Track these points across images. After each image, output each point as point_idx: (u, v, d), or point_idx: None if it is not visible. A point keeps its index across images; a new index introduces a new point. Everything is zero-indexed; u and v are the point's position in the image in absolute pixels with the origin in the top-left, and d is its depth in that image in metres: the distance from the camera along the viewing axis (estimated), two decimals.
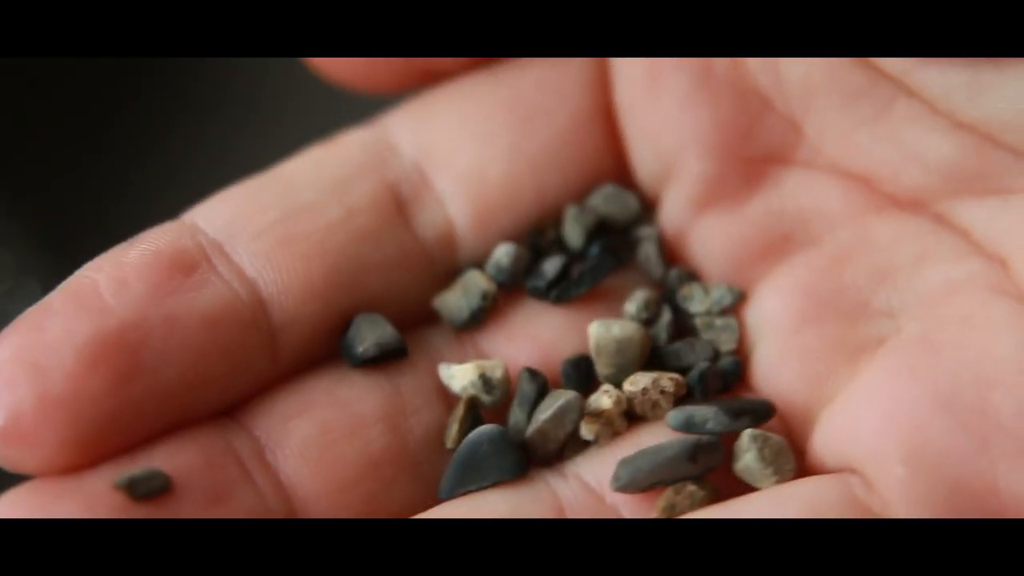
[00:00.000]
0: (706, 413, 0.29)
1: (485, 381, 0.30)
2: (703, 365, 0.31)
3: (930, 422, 0.27)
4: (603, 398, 0.30)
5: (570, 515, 0.29)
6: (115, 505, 0.27)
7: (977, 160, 0.30)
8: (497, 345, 0.31)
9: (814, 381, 0.30)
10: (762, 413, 0.30)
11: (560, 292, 0.32)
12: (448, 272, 0.32)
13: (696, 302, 0.32)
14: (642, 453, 0.29)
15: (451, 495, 0.30)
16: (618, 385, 0.31)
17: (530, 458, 0.30)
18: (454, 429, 0.30)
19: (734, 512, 0.28)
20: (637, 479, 0.29)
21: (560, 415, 0.30)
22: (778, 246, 0.32)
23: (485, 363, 0.30)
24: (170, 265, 0.29)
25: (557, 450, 0.30)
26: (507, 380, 0.30)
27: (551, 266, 0.32)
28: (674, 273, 0.32)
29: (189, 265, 0.29)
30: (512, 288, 0.32)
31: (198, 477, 0.28)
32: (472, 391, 0.30)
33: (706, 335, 0.32)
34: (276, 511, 0.28)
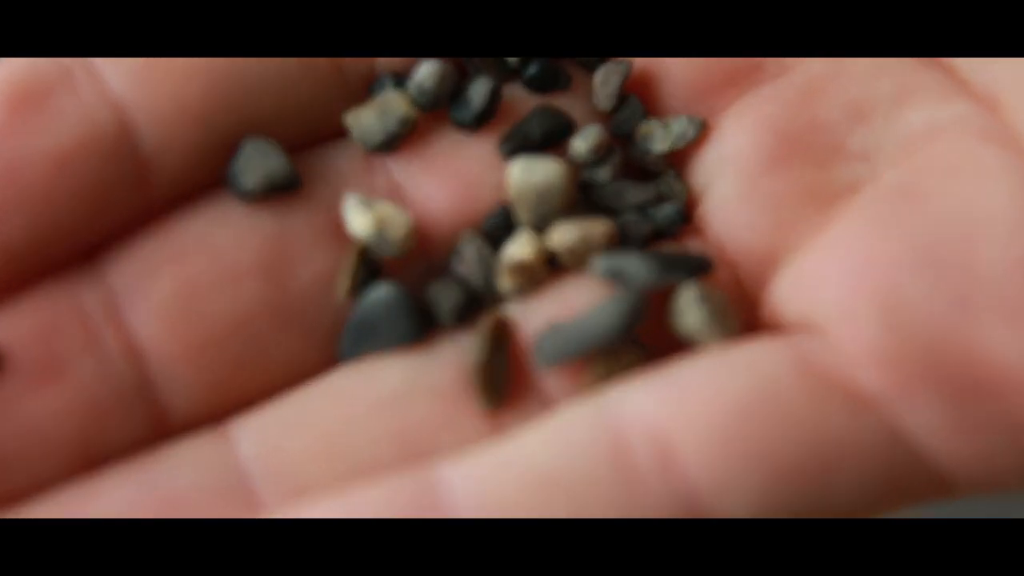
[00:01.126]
0: (636, 265, 0.26)
1: (383, 237, 0.26)
2: (634, 215, 0.27)
3: (908, 278, 0.25)
4: (524, 248, 0.26)
5: None
6: None
7: None
8: (413, 176, 0.27)
9: (778, 227, 0.27)
10: (697, 267, 0.26)
11: (481, 119, 0.28)
12: (363, 81, 0.28)
13: (657, 140, 0.28)
14: (567, 331, 0.25)
15: (348, 358, 0.26)
16: (541, 231, 0.27)
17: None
18: (344, 280, 0.26)
19: (674, 378, 0.25)
20: (564, 358, 0.25)
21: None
22: (746, 73, 0.28)
23: (388, 215, 0.26)
24: (20, 98, 0.26)
25: None
26: (410, 236, 0.26)
27: (478, 93, 0.27)
28: (632, 104, 0.28)
29: (43, 93, 0.26)
30: (436, 109, 0.28)
31: (35, 348, 0.25)
32: (366, 241, 0.26)
33: (660, 183, 0.28)
34: (122, 378, 0.26)
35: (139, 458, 0.25)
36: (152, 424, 0.26)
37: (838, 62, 0.27)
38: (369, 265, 0.26)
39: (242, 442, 0.25)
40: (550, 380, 0.26)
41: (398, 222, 0.26)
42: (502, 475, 0.24)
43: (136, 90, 0.26)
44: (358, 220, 0.26)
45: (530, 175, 0.26)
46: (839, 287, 0.25)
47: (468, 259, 0.26)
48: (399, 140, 0.27)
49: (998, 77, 0.26)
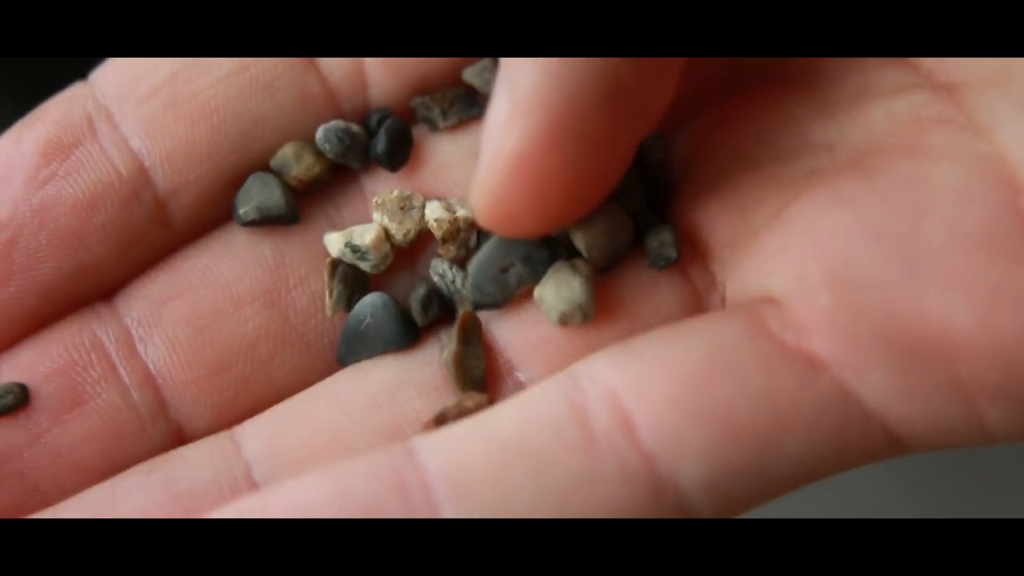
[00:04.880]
0: None
1: (353, 248, 0.28)
2: None
3: (858, 249, 0.25)
4: None
5: None
6: None
7: None
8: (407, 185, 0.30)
9: (743, 212, 0.27)
10: None
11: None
12: (358, 115, 0.30)
13: None
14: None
15: (343, 363, 0.28)
16: None
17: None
18: (327, 297, 0.29)
19: (633, 348, 0.26)
20: None
21: None
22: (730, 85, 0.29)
23: (356, 229, 0.28)
24: (50, 149, 0.28)
25: None
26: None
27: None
28: None
29: (69, 145, 0.29)
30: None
31: (57, 381, 0.28)
32: (340, 255, 0.28)
33: None
34: (141, 406, 0.28)
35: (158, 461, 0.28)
36: (169, 444, 0.28)
37: (808, 67, 0.28)
38: (350, 280, 0.28)
39: (248, 443, 0.27)
40: (525, 371, 0.27)
41: (366, 232, 0.28)
42: (470, 440, 0.25)
43: (151, 137, 0.29)
44: (330, 238, 0.28)
45: None
46: (793, 260, 0.25)
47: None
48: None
49: (957, 67, 0.26)
